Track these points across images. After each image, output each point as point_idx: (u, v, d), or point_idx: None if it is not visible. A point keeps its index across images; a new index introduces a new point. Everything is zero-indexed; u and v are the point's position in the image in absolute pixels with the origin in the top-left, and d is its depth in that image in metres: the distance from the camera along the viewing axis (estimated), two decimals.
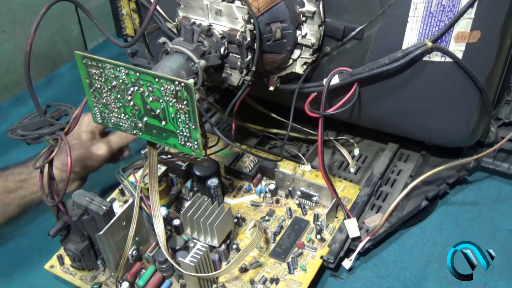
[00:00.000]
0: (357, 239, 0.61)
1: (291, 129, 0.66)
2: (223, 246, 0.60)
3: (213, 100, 0.84)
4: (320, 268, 0.59)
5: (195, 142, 0.50)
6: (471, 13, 0.53)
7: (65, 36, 1.05)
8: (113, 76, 0.49)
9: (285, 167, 0.71)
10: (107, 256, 0.56)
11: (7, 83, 0.97)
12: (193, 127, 0.48)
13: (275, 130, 0.76)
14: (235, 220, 0.63)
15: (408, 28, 0.55)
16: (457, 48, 0.55)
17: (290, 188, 0.67)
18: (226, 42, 0.55)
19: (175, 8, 0.57)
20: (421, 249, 0.64)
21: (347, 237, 0.62)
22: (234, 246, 0.61)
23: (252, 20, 0.53)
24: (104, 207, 0.55)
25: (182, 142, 0.50)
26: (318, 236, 0.61)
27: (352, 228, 0.61)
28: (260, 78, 0.63)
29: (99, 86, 0.51)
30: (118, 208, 0.64)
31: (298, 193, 0.66)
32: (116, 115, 0.52)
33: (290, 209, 0.65)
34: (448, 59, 0.56)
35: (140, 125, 0.51)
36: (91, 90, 0.51)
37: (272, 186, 0.67)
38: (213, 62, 0.54)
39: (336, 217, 0.64)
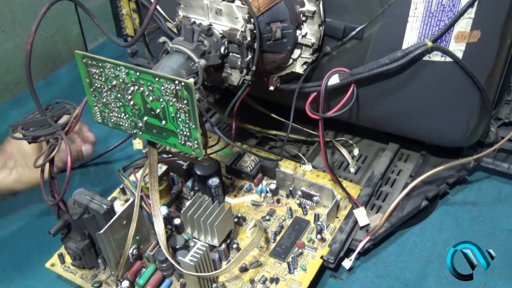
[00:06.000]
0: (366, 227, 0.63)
1: (291, 130, 0.66)
2: (223, 246, 0.60)
3: (213, 100, 0.84)
4: (320, 268, 0.59)
5: (195, 142, 0.50)
6: (471, 12, 0.53)
7: (65, 36, 1.05)
8: (113, 75, 0.49)
9: (286, 167, 0.71)
10: (108, 254, 0.56)
11: (7, 83, 0.97)
12: (193, 126, 0.49)
13: (274, 132, 0.77)
14: (236, 220, 0.63)
15: (408, 27, 0.55)
16: (457, 48, 0.55)
17: (291, 188, 0.67)
18: (226, 42, 0.55)
19: (175, 8, 0.57)
20: (421, 249, 0.64)
21: (347, 237, 0.62)
22: (235, 246, 0.61)
23: (252, 20, 0.53)
24: (104, 206, 0.55)
25: (182, 142, 0.50)
26: (319, 236, 0.61)
27: (361, 216, 0.62)
28: (260, 78, 0.63)
29: (99, 85, 0.51)
30: (119, 207, 0.64)
31: (299, 193, 0.66)
32: (116, 115, 0.52)
33: (290, 209, 0.65)
34: (448, 59, 0.56)
35: (140, 124, 0.51)
36: (91, 89, 0.51)
37: (273, 186, 0.67)
38: (213, 61, 0.54)
39: (337, 217, 0.64)
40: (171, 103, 0.48)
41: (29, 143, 0.55)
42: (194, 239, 0.60)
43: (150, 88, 0.48)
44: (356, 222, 0.63)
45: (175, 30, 0.65)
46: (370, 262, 0.63)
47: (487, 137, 0.68)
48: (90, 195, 0.56)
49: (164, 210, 0.60)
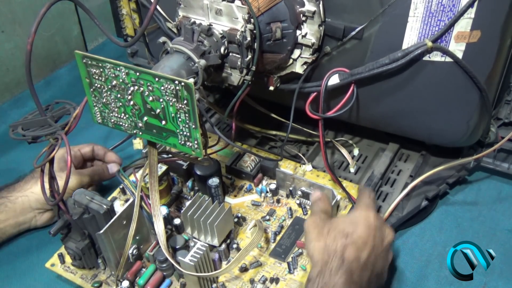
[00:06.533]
0: None
1: (291, 130, 0.66)
2: (223, 246, 0.60)
3: (213, 100, 0.84)
4: None
5: (195, 142, 0.50)
6: (471, 12, 0.53)
7: (65, 36, 1.05)
8: (113, 75, 0.49)
9: (286, 167, 0.71)
10: (108, 254, 0.56)
11: (7, 83, 0.97)
12: (193, 126, 0.49)
13: (274, 132, 0.77)
14: (236, 220, 0.63)
15: (408, 28, 0.55)
16: (457, 48, 0.55)
17: (291, 188, 0.67)
18: (226, 42, 0.55)
19: (175, 8, 0.57)
20: (421, 249, 0.64)
21: None
22: (235, 246, 0.61)
23: (252, 20, 0.53)
24: (104, 206, 0.55)
25: (182, 142, 0.50)
26: None
27: None
28: (260, 78, 0.63)
29: (99, 85, 0.51)
30: (119, 207, 0.64)
31: (299, 192, 0.66)
32: (116, 115, 0.52)
33: (290, 208, 0.65)
34: (448, 59, 0.56)
35: (140, 124, 0.51)
36: (91, 89, 0.51)
37: (273, 186, 0.67)
38: (213, 61, 0.54)
39: None
40: (171, 103, 0.48)
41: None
42: (194, 239, 0.60)
43: (150, 88, 0.48)
44: None
45: (175, 30, 0.65)
46: None
47: (487, 137, 0.68)
48: (90, 195, 0.56)
49: (164, 210, 0.60)
